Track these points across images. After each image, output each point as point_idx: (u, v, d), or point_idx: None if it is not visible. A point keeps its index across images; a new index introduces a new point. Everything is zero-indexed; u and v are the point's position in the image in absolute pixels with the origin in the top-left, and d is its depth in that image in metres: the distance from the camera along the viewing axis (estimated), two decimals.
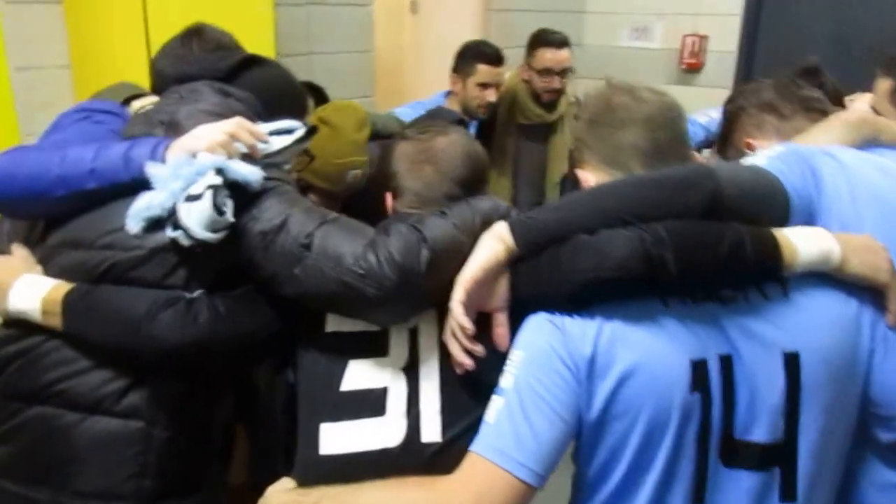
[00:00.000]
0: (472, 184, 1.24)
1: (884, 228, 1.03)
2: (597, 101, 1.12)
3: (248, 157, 1.15)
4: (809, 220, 1.04)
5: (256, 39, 2.38)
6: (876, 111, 2.09)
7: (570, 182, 3.09)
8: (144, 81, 2.01)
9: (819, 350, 0.97)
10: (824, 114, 1.33)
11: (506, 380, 0.96)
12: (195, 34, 1.54)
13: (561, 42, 2.75)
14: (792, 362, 0.96)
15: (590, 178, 1.10)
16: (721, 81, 4.00)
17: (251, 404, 1.36)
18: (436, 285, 1.03)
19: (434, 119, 2.06)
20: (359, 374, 1.10)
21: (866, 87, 3.48)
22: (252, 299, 1.15)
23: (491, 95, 2.64)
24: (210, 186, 1.05)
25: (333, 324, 1.13)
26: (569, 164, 1.13)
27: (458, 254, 1.03)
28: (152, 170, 1.10)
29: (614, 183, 1.02)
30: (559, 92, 2.81)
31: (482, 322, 1.02)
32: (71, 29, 1.81)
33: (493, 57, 2.62)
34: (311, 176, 1.70)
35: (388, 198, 1.29)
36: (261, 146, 1.19)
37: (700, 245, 0.93)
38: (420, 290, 1.03)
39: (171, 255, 1.12)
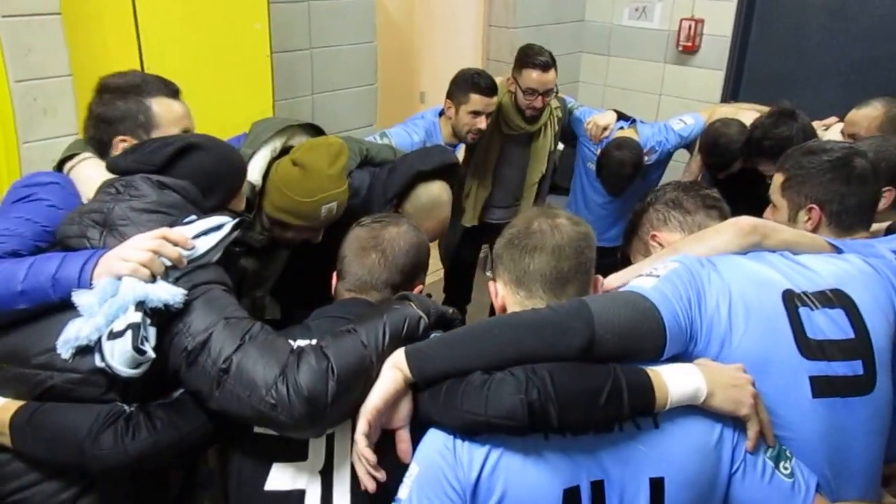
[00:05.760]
0: (412, 272, 1.39)
1: (750, 338, 1.16)
2: (519, 223, 1.23)
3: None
4: (689, 341, 1.14)
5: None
6: (851, 136, 2.19)
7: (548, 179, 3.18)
8: None
9: (682, 475, 1.07)
10: (721, 210, 1.48)
11: (403, 490, 1.06)
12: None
13: (546, 65, 2.77)
14: (657, 487, 1.06)
15: (499, 290, 1.24)
16: (715, 64, 4.05)
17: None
18: (345, 405, 1.11)
19: (428, 155, 2.07)
20: (281, 476, 1.20)
21: (864, 73, 3.57)
22: (187, 403, 1.20)
23: (481, 123, 2.69)
24: (130, 325, 1.08)
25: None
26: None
27: (364, 374, 1.12)
28: (78, 300, 1.13)
29: (499, 323, 1.12)
30: (541, 110, 2.89)
31: (388, 436, 1.12)
32: (70, 40, 1.98)
33: (486, 88, 2.65)
34: (287, 216, 1.73)
35: (334, 277, 1.42)
36: (186, 253, 1.21)
37: (581, 395, 1.02)
38: (328, 417, 1.10)
39: (105, 376, 1.15)
